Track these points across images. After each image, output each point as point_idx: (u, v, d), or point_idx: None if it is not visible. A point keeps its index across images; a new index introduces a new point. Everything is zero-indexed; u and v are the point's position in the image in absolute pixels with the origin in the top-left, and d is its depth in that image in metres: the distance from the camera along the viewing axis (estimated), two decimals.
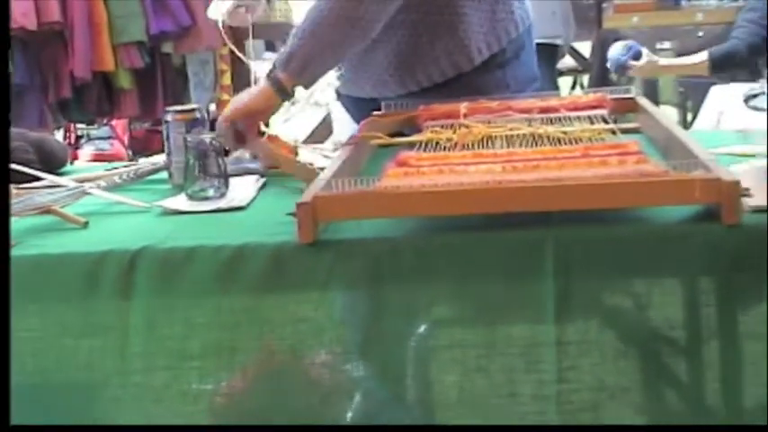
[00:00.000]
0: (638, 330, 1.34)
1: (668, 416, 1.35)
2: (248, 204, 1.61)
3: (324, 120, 4.36)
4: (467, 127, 1.78)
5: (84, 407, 1.38)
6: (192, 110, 1.80)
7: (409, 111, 1.97)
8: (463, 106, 1.91)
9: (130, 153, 5.26)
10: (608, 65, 3.75)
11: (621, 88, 2.05)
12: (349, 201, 1.34)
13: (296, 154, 1.85)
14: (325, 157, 1.90)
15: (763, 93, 3.80)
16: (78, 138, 5.65)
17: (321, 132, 4.35)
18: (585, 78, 5.72)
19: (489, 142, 1.66)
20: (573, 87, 5.82)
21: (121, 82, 4.21)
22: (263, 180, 1.76)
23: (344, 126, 2.18)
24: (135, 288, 1.36)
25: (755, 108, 3.81)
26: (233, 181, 1.71)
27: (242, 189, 1.69)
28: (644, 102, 2.00)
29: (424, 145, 1.66)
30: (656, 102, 5.48)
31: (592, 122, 1.77)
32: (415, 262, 1.33)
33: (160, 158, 1.90)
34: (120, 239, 1.43)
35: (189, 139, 1.65)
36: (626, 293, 1.34)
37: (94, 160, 5.51)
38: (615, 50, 3.71)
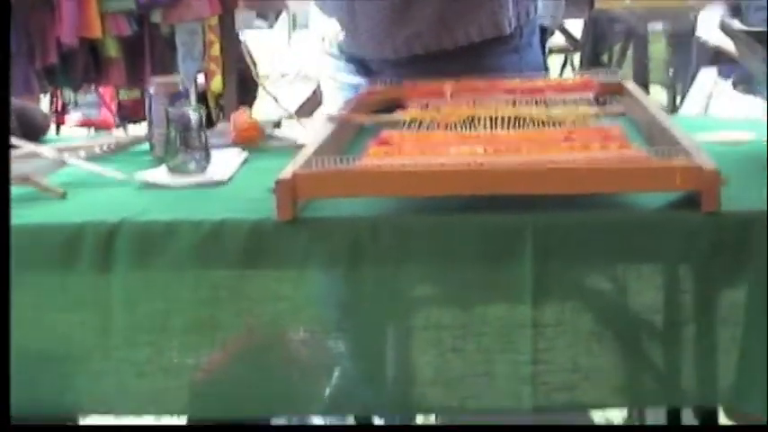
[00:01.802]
0: (614, 314, 1.34)
1: (643, 397, 1.36)
2: (229, 179, 1.61)
3: (313, 93, 4.35)
4: (451, 107, 1.78)
5: (65, 381, 1.37)
6: (176, 82, 1.79)
7: (395, 89, 1.97)
8: (449, 85, 1.91)
9: (118, 120, 5.24)
10: None
11: (609, 71, 2.06)
12: (329, 179, 1.33)
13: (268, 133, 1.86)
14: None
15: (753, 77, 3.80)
16: (65, 104, 5.61)
17: (310, 106, 4.35)
18: (576, 57, 5.71)
19: (473, 123, 1.65)
20: (564, 66, 5.82)
21: (109, 50, 4.16)
22: (245, 154, 1.76)
23: (333, 101, 2.18)
24: (114, 262, 1.35)
25: (745, 92, 3.82)
26: (215, 154, 1.70)
27: (223, 163, 1.68)
28: (630, 85, 1.99)
29: (407, 124, 1.65)
30: (646, 82, 5.49)
31: (577, 106, 1.76)
32: (394, 242, 1.33)
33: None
34: (98, 211, 1.42)
35: (171, 111, 1.64)
36: (604, 278, 1.34)
37: (82, 125, 5.48)
38: None
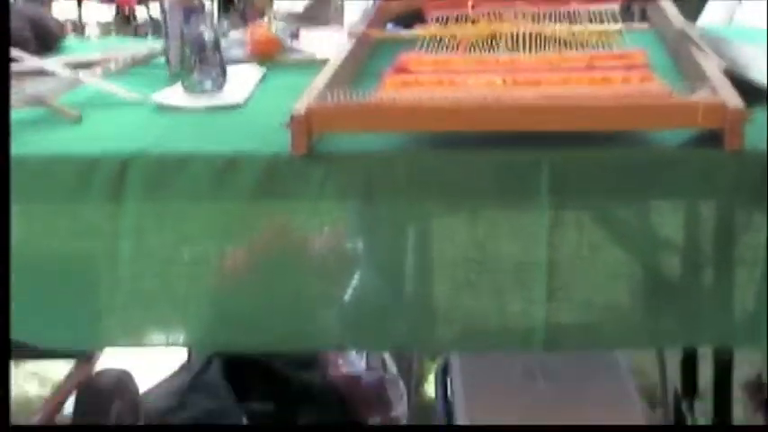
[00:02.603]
0: (631, 254, 1.33)
1: (660, 337, 1.36)
2: (246, 101, 1.58)
3: None
4: (473, 21, 1.74)
5: (73, 312, 1.38)
6: None
7: None
8: None
9: None
10: None
11: None
12: (344, 113, 1.31)
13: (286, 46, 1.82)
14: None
15: None
16: None
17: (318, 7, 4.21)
18: None
19: (493, 43, 1.61)
20: None
21: None
22: (262, 70, 1.73)
23: (356, 6, 2.13)
24: (126, 193, 1.34)
25: None
26: (231, 71, 1.67)
27: (240, 81, 1.65)
28: None
29: (426, 43, 1.61)
30: None
31: (602, 20, 1.72)
32: (409, 177, 1.31)
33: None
34: (112, 139, 1.41)
35: (186, 31, 1.61)
36: (621, 217, 1.32)
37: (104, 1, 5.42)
38: None
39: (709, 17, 3.74)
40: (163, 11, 1.75)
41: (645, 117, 1.27)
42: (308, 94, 1.35)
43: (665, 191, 1.29)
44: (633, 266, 1.33)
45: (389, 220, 1.34)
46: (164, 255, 1.35)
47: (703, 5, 3.74)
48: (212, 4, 5.41)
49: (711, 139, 1.29)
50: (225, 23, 2.39)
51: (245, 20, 5.09)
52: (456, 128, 1.30)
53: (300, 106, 1.32)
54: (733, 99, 1.28)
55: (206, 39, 1.62)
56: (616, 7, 1.80)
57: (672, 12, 1.81)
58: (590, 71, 1.40)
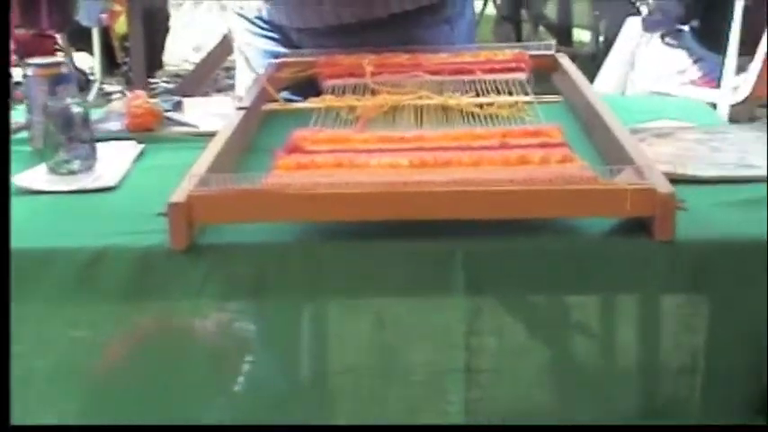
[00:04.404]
0: (558, 355, 1.19)
1: None
2: (119, 183, 1.41)
3: (224, 38, 4.09)
4: (372, 92, 1.60)
5: None
6: (58, 63, 1.56)
7: (311, 61, 1.78)
8: (368, 61, 1.72)
9: (17, 58, 4.95)
10: None
11: (541, 44, 1.90)
12: (230, 202, 1.15)
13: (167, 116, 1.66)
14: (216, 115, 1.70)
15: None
16: None
17: (219, 52, 4.08)
18: None
19: (396, 116, 1.48)
20: (485, 5, 5.62)
21: None
22: (140, 147, 1.55)
23: (245, 69, 1.99)
24: None
25: (670, 45, 3.68)
26: (104, 148, 1.50)
27: (113, 161, 1.48)
28: (564, 61, 1.83)
29: (322, 117, 1.47)
30: (569, 25, 5.34)
31: (510, 91, 1.60)
32: (305, 271, 1.16)
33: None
34: None
35: (50, 105, 1.43)
36: (544, 312, 1.19)
37: None
38: None
39: (602, 85, 3.71)
40: (25, 78, 1.56)
41: (569, 204, 1.14)
42: (188, 178, 1.18)
43: (591, 284, 1.16)
44: (559, 365, 1.19)
45: (282, 321, 1.18)
46: (23, 364, 1.16)
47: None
48: (96, 66, 5.22)
49: (639, 227, 1.17)
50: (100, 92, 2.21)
51: (129, 83, 4.90)
52: (359, 217, 1.15)
53: (180, 193, 1.15)
54: (662, 184, 1.16)
55: (74, 112, 1.44)
56: (524, 77, 1.69)
57: (581, 81, 1.71)
58: (503, 150, 1.27)
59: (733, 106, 3.35)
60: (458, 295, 1.14)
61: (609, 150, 1.34)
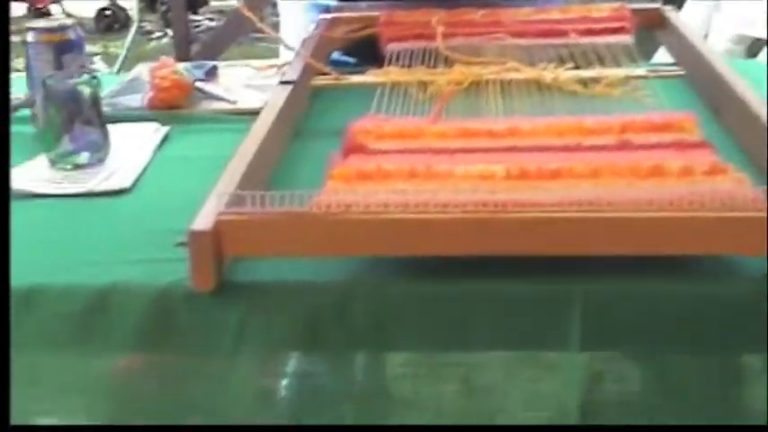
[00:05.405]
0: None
1: None
2: (135, 182, 1.13)
3: None
4: (445, 60, 1.30)
5: None
6: (64, 27, 1.28)
7: (369, 16, 1.49)
8: (438, 19, 1.43)
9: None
10: None
11: None
12: (268, 229, 0.86)
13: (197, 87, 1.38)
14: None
15: None
16: None
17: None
18: None
19: (478, 95, 1.18)
20: None
21: None
22: (164, 131, 1.27)
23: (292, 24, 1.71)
24: None
25: None
26: (120, 132, 1.22)
27: (130, 150, 1.20)
28: (672, 16, 1.52)
29: (387, 96, 1.17)
30: None
31: (614, 59, 1.29)
32: (370, 318, 0.88)
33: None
34: None
35: (50, 85, 1.15)
36: (688, 377, 0.90)
37: None
38: None
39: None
40: (25, 45, 1.27)
41: (737, 237, 0.84)
42: (217, 195, 0.90)
43: (753, 340, 0.87)
44: None
45: (340, 382, 0.90)
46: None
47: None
48: (134, 2, 4.94)
49: None
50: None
51: (167, 24, 4.62)
52: (442, 252, 0.86)
53: (205, 217, 0.87)
54: None
55: (80, 91, 1.16)
56: (629, 39, 1.38)
57: (699, 43, 1.40)
58: (627, 152, 0.97)
59: None
60: (572, 350, 0.86)
61: (755, 148, 1.03)
